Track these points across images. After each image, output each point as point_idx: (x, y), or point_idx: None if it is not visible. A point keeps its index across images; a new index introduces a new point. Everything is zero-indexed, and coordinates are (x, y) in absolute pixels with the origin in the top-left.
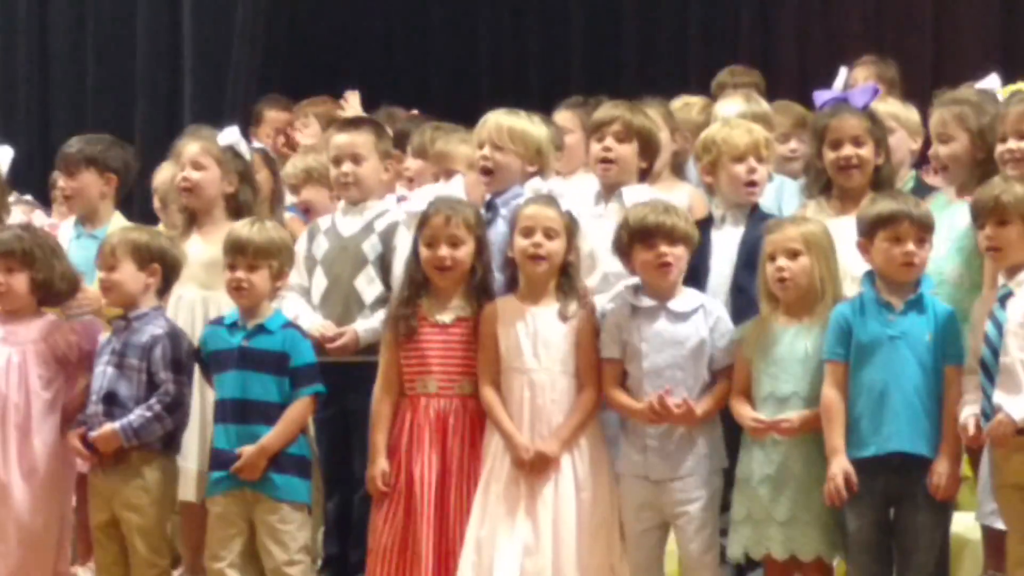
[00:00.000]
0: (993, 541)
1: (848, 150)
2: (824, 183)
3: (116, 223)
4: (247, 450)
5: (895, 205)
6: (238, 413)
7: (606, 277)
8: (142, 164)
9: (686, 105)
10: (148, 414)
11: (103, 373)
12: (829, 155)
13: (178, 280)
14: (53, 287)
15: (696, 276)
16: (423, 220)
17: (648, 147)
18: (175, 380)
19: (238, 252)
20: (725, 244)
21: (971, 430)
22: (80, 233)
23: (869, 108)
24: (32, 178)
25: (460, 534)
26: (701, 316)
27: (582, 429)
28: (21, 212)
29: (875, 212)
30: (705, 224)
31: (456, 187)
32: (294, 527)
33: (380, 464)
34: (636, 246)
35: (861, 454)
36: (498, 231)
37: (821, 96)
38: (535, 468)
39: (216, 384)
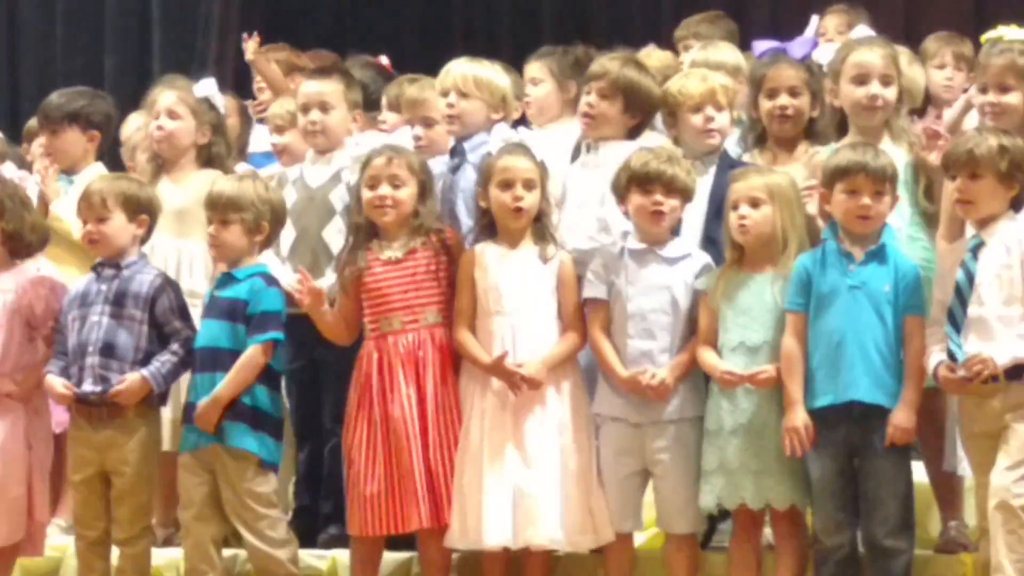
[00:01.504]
0: (945, 489)
1: (783, 99)
2: (759, 133)
3: (95, 173)
4: (201, 402)
5: (852, 156)
6: (207, 362)
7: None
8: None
9: (647, 56)
10: (174, 359)
11: (98, 324)
12: (765, 104)
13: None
14: (24, 239)
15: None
16: (365, 163)
17: (635, 103)
18: (187, 326)
19: (211, 206)
20: (696, 195)
21: (942, 372)
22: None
23: (808, 60)
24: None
25: (446, 469)
26: (689, 263)
27: (565, 363)
28: None
29: (834, 163)
30: None
31: (403, 137)
32: (250, 482)
33: None
34: (633, 190)
35: (819, 403)
36: (467, 177)
37: (760, 46)
38: (529, 385)
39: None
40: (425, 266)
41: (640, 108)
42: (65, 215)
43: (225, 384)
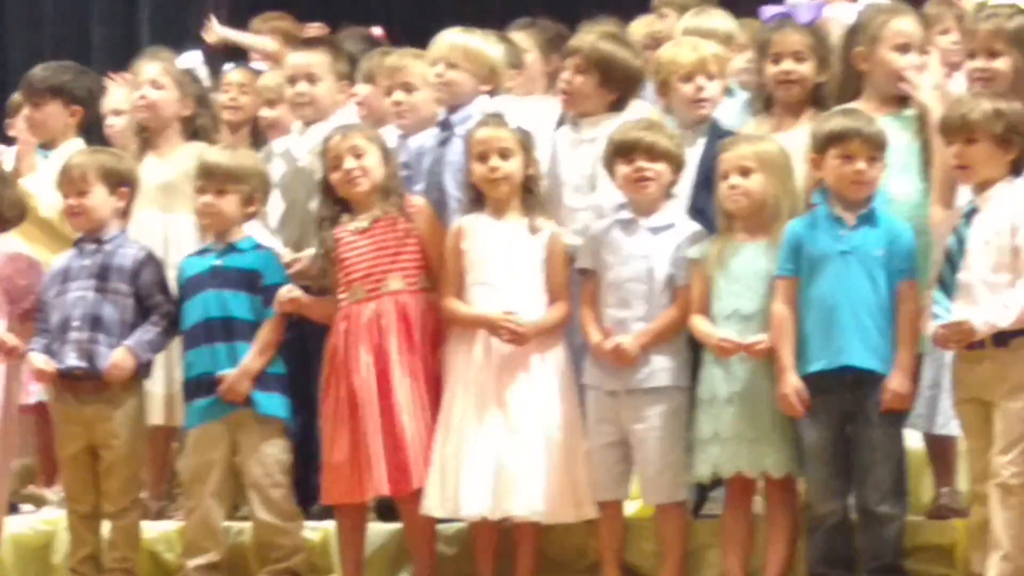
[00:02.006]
0: (939, 454)
1: (788, 64)
2: (766, 99)
3: (75, 147)
4: (228, 374)
5: (847, 122)
6: (221, 332)
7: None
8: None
9: (644, 24)
10: (157, 329)
11: (81, 299)
12: (770, 69)
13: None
14: (1, 214)
15: None
16: (324, 149)
17: (612, 77)
18: (168, 300)
19: (207, 176)
20: (686, 165)
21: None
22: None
23: (814, 24)
24: None
25: (410, 437)
26: (672, 233)
27: (550, 338)
28: None
29: (827, 128)
30: None
31: (350, 115)
32: (277, 449)
33: None
34: (617, 160)
35: (811, 368)
36: (455, 150)
37: (767, 11)
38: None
39: (190, 308)
40: (384, 234)
41: (617, 82)
42: (35, 190)
43: (254, 355)
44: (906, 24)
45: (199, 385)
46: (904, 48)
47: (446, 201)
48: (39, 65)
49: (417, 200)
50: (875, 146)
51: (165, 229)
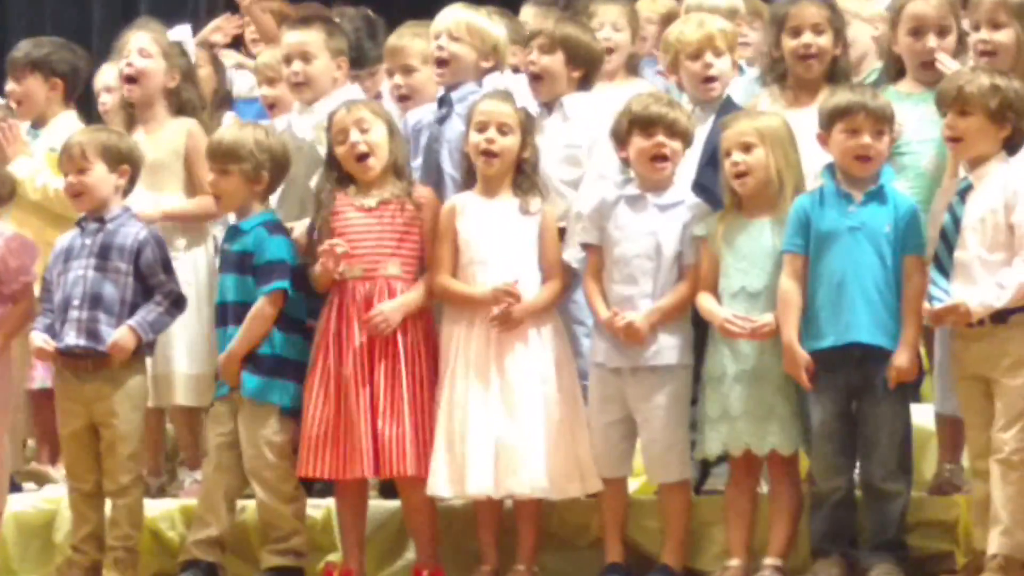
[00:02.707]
0: (948, 432)
1: (808, 37)
2: (780, 73)
3: (64, 123)
4: (220, 357)
5: (852, 96)
6: (225, 317)
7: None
8: (98, 67)
9: (650, 2)
10: (160, 308)
11: (83, 278)
12: (788, 43)
13: None
14: None
15: None
16: (329, 123)
17: (576, 56)
18: (171, 279)
19: (210, 156)
20: (694, 142)
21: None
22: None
23: None
24: None
25: (392, 422)
26: (680, 210)
27: (544, 315)
28: None
29: (833, 103)
30: None
31: (353, 93)
32: (270, 431)
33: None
34: (635, 133)
35: (820, 345)
36: (453, 128)
37: None
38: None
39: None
40: (392, 219)
41: (581, 60)
42: (23, 173)
43: (238, 338)
44: (918, 6)
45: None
46: (918, 31)
47: (442, 179)
48: (22, 41)
49: (425, 191)
50: (880, 120)
51: (157, 208)
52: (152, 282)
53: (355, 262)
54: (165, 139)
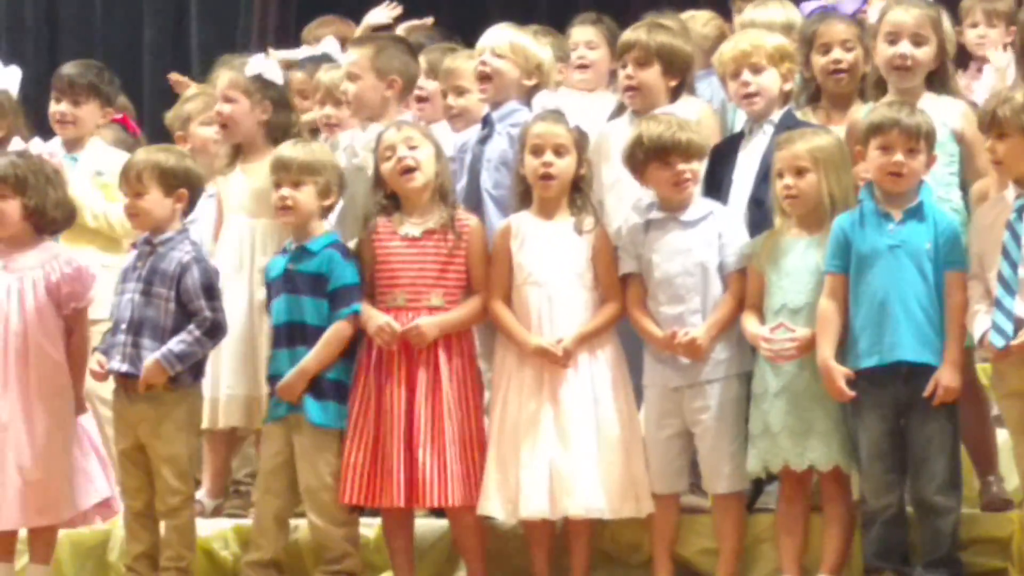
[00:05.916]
0: (981, 447)
1: (837, 53)
2: (812, 92)
3: (101, 146)
4: (287, 374)
5: (887, 113)
6: (288, 338)
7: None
8: (149, 87)
9: (691, 18)
10: (189, 338)
11: (130, 301)
12: (819, 61)
13: (227, 209)
14: (46, 215)
15: (719, 190)
16: (379, 142)
17: (672, 65)
18: (210, 306)
19: (282, 170)
20: (749, 157)
21: (988, 344)
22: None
23: (857, 16)
24: (42, 103)
25: (429, 455)
26: (710, 223)
27: (601, 337)
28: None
29: (868, 120)
30: (734, 139)
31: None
32: (329, 453)
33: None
34: (652, 164)
35: (865, 364)
36: (494, 147)
37: (807, 6)
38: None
39: (274, 309)
40: (436, 250)
41: (678, 68)
42: (82, 199)
43: (312, 358)
44: (896, 14)
45: (271, 384)
46: (894, 38)
47: (481, 199)
48: (68, 63)
49: (470, 219)
50: (915, 137)
51: (253, 233)
52: (190, 308)
53: (398, 292)
54: (263, 168)
